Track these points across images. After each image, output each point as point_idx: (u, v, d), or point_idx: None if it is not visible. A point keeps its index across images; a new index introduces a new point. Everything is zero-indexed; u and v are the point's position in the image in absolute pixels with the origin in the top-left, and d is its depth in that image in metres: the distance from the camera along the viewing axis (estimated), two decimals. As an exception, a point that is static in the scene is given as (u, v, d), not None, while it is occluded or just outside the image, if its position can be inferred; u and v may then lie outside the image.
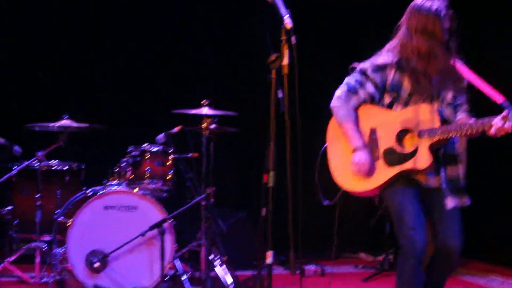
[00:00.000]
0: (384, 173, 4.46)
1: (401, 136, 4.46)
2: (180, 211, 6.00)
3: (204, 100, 6.49)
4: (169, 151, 6.44)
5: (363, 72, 4.52)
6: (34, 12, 7.88)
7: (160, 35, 8.23)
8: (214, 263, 6.26)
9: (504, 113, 4.09)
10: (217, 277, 6.20)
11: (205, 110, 6.44)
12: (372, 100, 4.55)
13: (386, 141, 4.48)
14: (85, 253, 5.82)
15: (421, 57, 4.39)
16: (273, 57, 4.20)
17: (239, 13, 8.31)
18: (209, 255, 6.23)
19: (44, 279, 6.11)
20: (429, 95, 4.44)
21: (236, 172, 8.13)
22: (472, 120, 4.29)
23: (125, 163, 6.35)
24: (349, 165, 4.51)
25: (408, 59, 4.42)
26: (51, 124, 6.35)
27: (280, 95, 4.33)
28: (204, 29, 8.37)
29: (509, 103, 4.15)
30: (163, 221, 5.80)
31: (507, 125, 4.08)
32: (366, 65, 4.54)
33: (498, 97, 4.20)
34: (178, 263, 6.18)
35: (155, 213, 5.94)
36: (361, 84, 4.52)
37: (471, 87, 4.45)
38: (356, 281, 6.96)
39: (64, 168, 6.57)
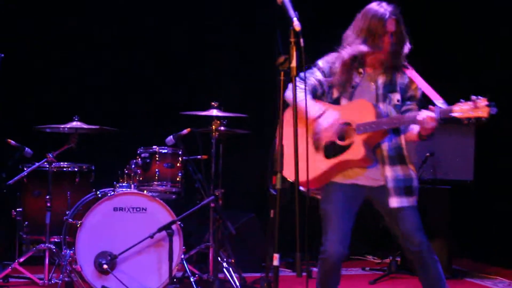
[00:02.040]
0: (322, 164, 4.60)
1: (341, 129, 4.59)
2: (189, 213, 6.02)
3: (214, 102, 6.52)
4: (179, 153, 6.46)
5: (315, 64, 4.74)
6: (46, 13, 7.91)
7: (170, 38, 8.25)
8: (222, 265, 6.27)
9: (430, 107, 4.36)
10: (225, 279, 6.21)
11: (215, 112, 6.46)
12: (321, 88, 4.70)
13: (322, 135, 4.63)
14: (94, 254, 5.85)
15: (363, 56, 4.60)
16: (281, 59, 4.20)
17: (249, 14, 8.32)
18: (217, 257, 6.24)
19: (53, 281, 6.13)
20: (374, 94, 4.63)
21: (245, 174, 8.13)
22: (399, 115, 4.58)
23: (134, 165, 6.38)
24: (291, 154, 4.49)
25: (354, 58, 4.61)
26: (62, 126, 6.38)
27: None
28: (214, 31, 8.38)
29: (444, 102, 4.39)
30: (172, 223, 5.83)
31: (431, 115, 4.33)
32: (320, 60, 4.75)
33: (436, 97, 4.45)
34: (186, 265, 6.20)
35: (164, 215, 5.97)
36: (311, 73, 4.70)
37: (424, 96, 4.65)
38: (364, 284, 6.96)
39: (75, 170, 6.60)
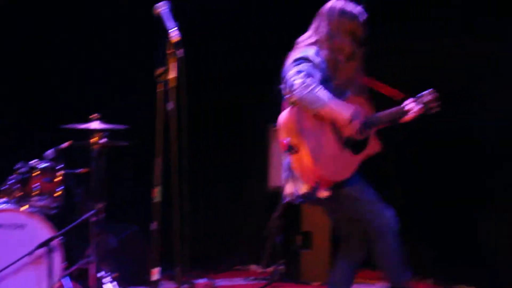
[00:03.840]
0: (353, 161, 4.66)
1: None
2: (69, 228, 5.93)
3: (94, 114, 6.43)
4: (58, 167, 6.35)
5: (307, 59, 4.49)
6: None
7: (47, 50, 8.09)
8: (104, 280, 6.19)
9: (412, 98, 4.77)
10: (107, 294, 6.14)
11: (95, 125, 6.37)
12: None
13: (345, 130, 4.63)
14: (-30, 273, 5.68)
15: (344, 56, 4.62)
16: (160, 70, 4.20)
17: (129, 24, 8.25)
18: (99, 272, 6.15)
19: None
20: (343, 91, 4.69)
21: (128, 186, 8.06)
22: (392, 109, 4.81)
23: (13, 180, 6.23)
24: (331, 153, 4.51)
25: (333, 56, 4.59)
26: None
27: (169, 107, 4.33)
28: (94, 42, 8.28)
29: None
30: (51, 239, 5.71)
31: (418, 106, 4.75)
32: (304, 53, 4.53)
33: (399, 94, 4.81)
34: (67, 281, 6.08)
35: (44, 231, 5.84)
36: (313, 68, 4.46)
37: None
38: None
39: (-50, 186, 6.40)
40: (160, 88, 4.26)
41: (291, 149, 4.44)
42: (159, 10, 4.19)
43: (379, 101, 4.90)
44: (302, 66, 4.43)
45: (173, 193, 4.14)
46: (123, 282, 6.31)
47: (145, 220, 6.06)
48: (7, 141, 7.40)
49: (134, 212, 7.79)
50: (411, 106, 4.76)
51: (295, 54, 4.57)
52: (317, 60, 4.50)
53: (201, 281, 7.16)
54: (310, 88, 4.33)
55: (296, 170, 4.52)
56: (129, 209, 7.87)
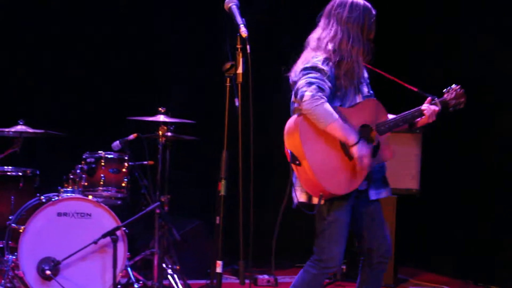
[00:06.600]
0: (360, 170, 4.43)
1: (362, 132, 4.46)
2: (134, 219, 5.98)
3: (161, 108, 6.48)
4: (125, 158, 6.41)
5: (316, 68, 4.36)
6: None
7: (118, 43, 8.17)
8: (167, 272, 6.24)
9: (428, 99, 4.64)
10: (170, 286, 6.17)
11: (162, 118, 6.43)
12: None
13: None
14: (37, 260, 5.77)
15: (356, 54, 4.46)
16: (228, 65, 4.18)
17: (198, 19, 8.29)
18: (162, 263, 6.20)
19: (-5, 286, 6.04)
20: (357, 89, 4.56)
21: (192, 180, 8.09)
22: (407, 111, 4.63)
23: (80, 170, 6.31)
24: (336, 167, 4.37)
25: (345, 54, 4.43)
26: (6, 130, 6.29)
27: (237, 103, 4.32)
28: (162, 36, 8.33)
29: (423, 91, 4.67)
30: (116, 228, 5.78)
31: (435, 107, 4.60)
32: (313, 62, 4.39)
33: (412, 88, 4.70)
34: (130, 271, 6.14)
35: (109, 221, 5.92)
36: (323, 80, 4.33)
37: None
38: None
39: (19, 174, 6.48)
40: (227, 83, 4.24)
41: (294, 160, 4.34)
42: (229, 5, 4.18)
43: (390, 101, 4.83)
44: (312, 77, 4.31)
45: (238, 188, 4.13)
46: (184, 275, 6.35)
47: (209, 214, 6.11)
48: (76, 131, 7.48)
49: (198, 205, 7.83)
50: (427, 107, 4.58)
51: (304, 60, 4.45)
52: (326, 68, 4.36)
53: (264, 277, 7.16)
54: (319, 102, 4.22)
55: (300, 180, 4.41)
56: (193, 202, 7.91)
